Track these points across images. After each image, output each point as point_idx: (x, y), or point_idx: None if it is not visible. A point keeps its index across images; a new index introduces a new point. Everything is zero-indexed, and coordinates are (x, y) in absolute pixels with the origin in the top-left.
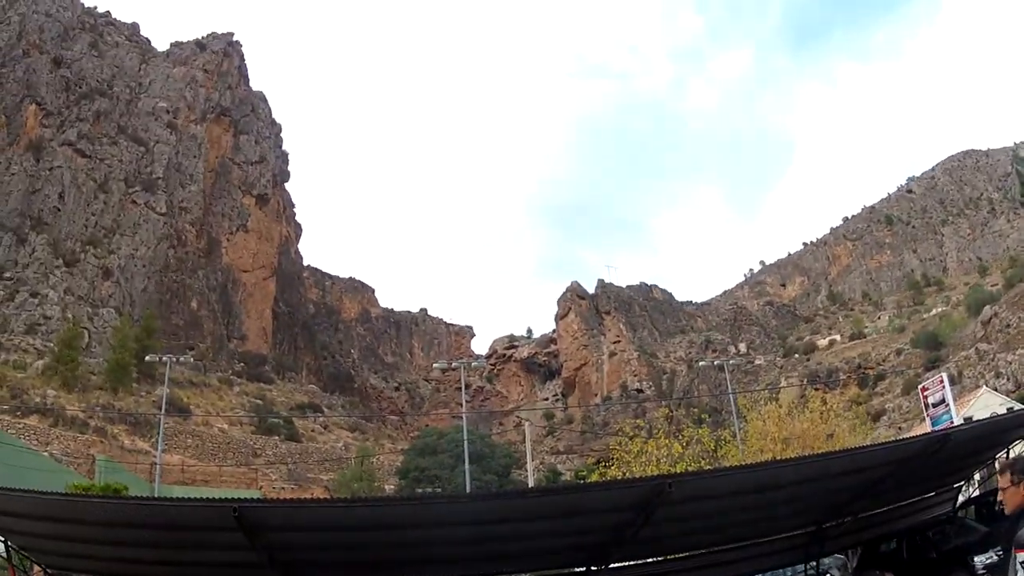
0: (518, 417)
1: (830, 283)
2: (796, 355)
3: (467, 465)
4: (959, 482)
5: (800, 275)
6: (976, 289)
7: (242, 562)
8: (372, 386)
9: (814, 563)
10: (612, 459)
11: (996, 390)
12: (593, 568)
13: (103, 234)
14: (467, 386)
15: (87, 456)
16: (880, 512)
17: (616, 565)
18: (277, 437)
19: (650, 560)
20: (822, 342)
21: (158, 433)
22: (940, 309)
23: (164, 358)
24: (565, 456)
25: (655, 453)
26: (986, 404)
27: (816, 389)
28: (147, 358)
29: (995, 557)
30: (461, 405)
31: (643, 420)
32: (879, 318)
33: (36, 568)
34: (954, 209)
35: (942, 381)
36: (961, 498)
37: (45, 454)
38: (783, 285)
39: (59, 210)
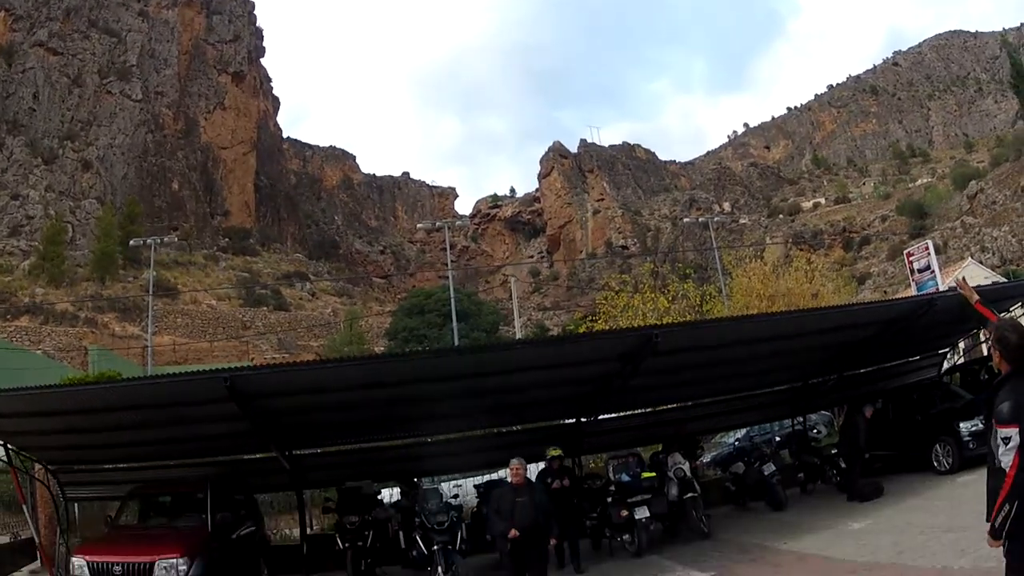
0: (504, 274)
1: (815, 147)
2: (781, 216)
3: (455, 323)
4: (944, 348)
5: (784, 138)
6: (962, 163)
7: (237, 432)
8: (357, 251)
9: (801, 418)
10: (599, 314)
11: (981, 263)
12: (583, 419)
13: (80, 127)
14: (452, 246)
15: (80, 349)
16: (865, 372)
17: (605, 416)
18: (266, 308)
19: (639, 411)
20: (807, 204)
21: (147, 316)
22: (925, 180)
23: (148, 241)
24: (552, 312)
25: (641, 307)
26: (971, 276)
27: (801, 250)
28: (131, 242)
29: (980, 425)
30: (447, 265)
31: (629, 276)
32: (864, 184)
33: (37, 466)
34: (940, 85)
35: (927, 248)
36: (946, 364)
37: (38, 352)
38: (767, 148)
39: (34, 110)
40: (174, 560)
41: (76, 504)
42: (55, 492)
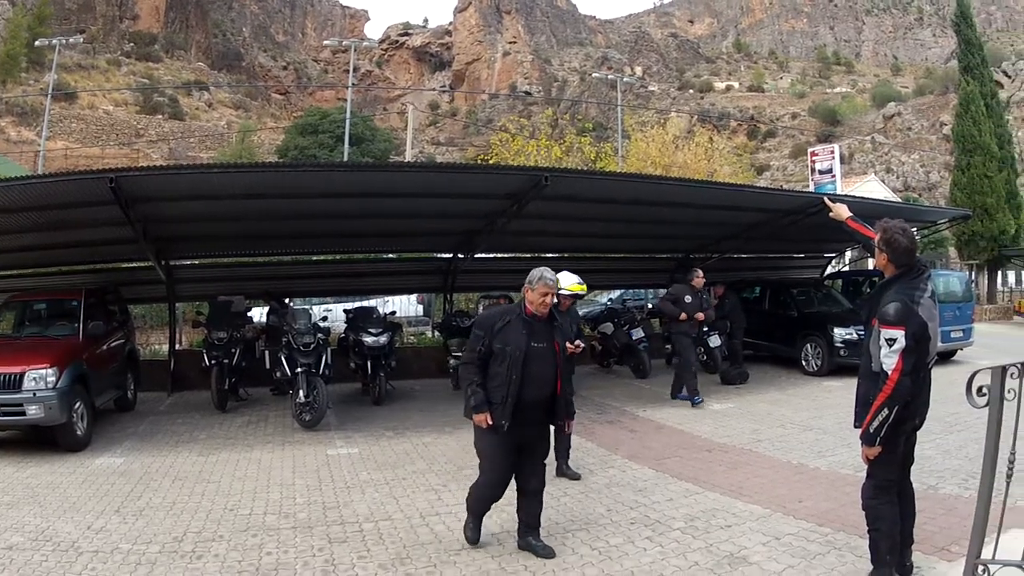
0: (403, 104)
1: (739, 32)
2: (691, 91)
3: (347, 146)
4: (830, 253)
5: (710, 16)
6: (885, 83)
7: (116, 239)
8: (260, 65)
9: None
10: (491, 155)
11: (883, 183)
12: (460, 256)
13: None
14: (355, 69)
15: None
16: (747, 257)
17: (483, 255)
18: (161, 116)
19: (519, 255)
20: (719, 85)
21: (43, 120)
22: (844, 89)
23: (54, 42)
24: (445, 148)
25: (535, 155)
26: (870, 191)
27: (704, 128)
28: (36, 43)
29: (855, 335)
30: (348, 87)
31: (528, 121)
32: (781, 79)
33: None
34: (881, 3)
35: (833, 152)
36: (831, 269)
37: None
38: (691, 22)
39: None
40: (43, 370)
41: None
42: None
